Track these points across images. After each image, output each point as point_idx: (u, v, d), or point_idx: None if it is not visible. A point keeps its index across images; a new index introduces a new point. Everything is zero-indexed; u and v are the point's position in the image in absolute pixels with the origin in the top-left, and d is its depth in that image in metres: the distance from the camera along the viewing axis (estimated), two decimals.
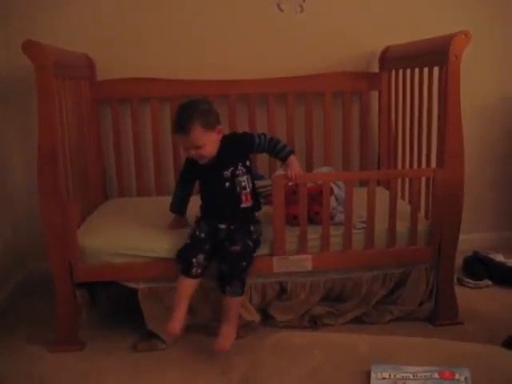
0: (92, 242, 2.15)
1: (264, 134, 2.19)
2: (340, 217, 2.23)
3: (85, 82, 2.57)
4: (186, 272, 2.06)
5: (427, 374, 1.17)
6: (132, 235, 2.20)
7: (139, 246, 2.15)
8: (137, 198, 2.80)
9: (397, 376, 1.17)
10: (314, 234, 2.19)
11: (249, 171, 2.17)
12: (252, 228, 2.16)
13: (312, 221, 2.22)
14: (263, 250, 2.18)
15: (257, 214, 2.22)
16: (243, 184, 2.13)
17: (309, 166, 2.83)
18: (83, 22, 2.67)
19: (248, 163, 2.17)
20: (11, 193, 2.73)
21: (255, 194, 2.20)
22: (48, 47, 1.98)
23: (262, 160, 2.81)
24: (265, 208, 2.38)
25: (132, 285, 2.18)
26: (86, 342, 2.23)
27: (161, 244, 2.15)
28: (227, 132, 2.26)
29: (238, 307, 2.10)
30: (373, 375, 1.17)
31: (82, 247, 2.14)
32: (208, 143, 2.03)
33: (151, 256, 2.14)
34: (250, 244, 2.11)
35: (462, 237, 2.27)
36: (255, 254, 2.14)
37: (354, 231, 2.21)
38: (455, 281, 2.39)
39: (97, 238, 2.18)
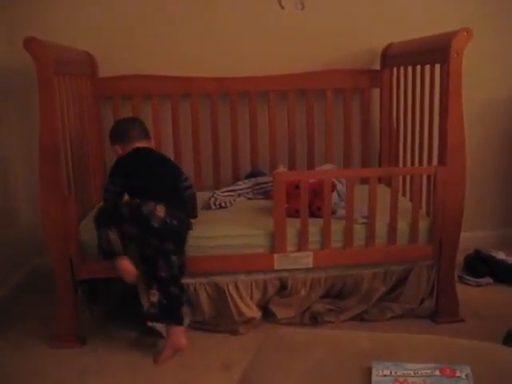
0: (93, 239, 2.14)
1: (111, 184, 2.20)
2: (341, 212, 2.23)
3: (86, 78, 2.57)
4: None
5: (428, 371, 1.17)
6: None
7: None
8: None
9: (398, 373, 1.17)
10: (315, 230, 2.19)
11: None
12: None
13: (314, 215, 2.22)
14: (263, 246, 2.19)
15: None
16: None
17: (310, 164, 2.83)
18: (85, 19, 2.67)
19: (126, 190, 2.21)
20: (13, 188, 2.73)
21: None
22: (49, 44, 1.98)
23: (263, 157, 2.81)
24: (265, 202, 2.38)
25: None
26: (87, 338, 2.23)
27: None
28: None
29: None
30: (374, 372, 1.17)
31: (83, 244, 2.14)
32: (114, 156, 2.34)
33: None
34: None
35: (463, 234, 2.26)
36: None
37: (356, 226, 2.21)
38: (456, 278, 2.38)
39: None
